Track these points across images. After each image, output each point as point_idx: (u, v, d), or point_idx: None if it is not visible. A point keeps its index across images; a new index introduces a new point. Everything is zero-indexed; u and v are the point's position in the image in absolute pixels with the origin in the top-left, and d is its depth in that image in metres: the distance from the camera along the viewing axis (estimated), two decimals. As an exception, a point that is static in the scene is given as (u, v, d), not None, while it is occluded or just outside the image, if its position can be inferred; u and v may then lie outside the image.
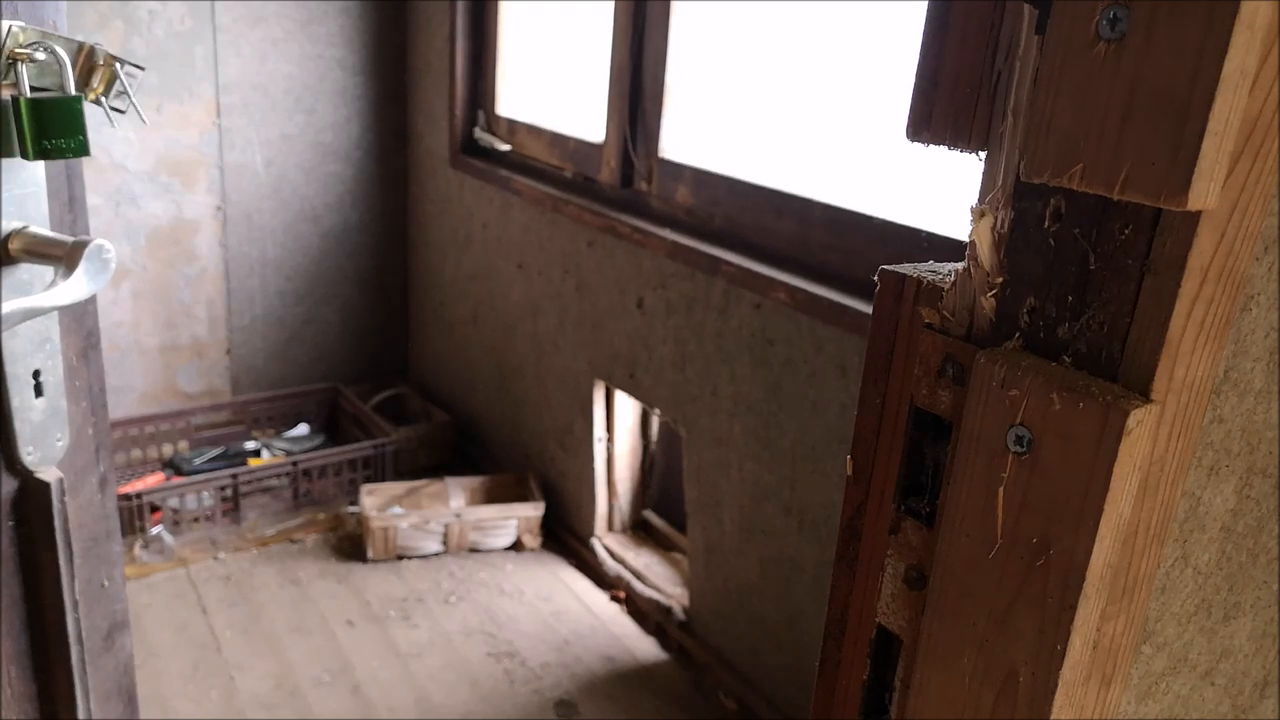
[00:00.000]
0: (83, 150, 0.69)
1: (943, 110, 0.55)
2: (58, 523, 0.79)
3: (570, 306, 2.57)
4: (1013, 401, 0.50)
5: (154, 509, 2.65)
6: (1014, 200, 0.52)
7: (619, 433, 2.61)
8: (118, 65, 0.71)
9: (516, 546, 2.73)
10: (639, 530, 2.73)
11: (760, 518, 2.05)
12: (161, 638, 2.30)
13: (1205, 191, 0.42)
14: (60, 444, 0.80)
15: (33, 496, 0.79)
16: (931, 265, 0.59)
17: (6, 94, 0.67)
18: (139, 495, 2.58)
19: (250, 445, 3.05)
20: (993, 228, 0.53)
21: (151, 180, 2.86)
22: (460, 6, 2.79)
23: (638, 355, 2.35)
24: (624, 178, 2.36)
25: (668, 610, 2.39)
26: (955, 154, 0.56)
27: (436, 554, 2.68)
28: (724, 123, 2.22)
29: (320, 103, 3.06)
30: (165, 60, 2.77)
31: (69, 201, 0.76)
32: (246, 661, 2.24)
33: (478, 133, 2.88)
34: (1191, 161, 0.41)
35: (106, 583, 0.87)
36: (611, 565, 2.57)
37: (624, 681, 2.26)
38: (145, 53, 2.72)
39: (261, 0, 2.88)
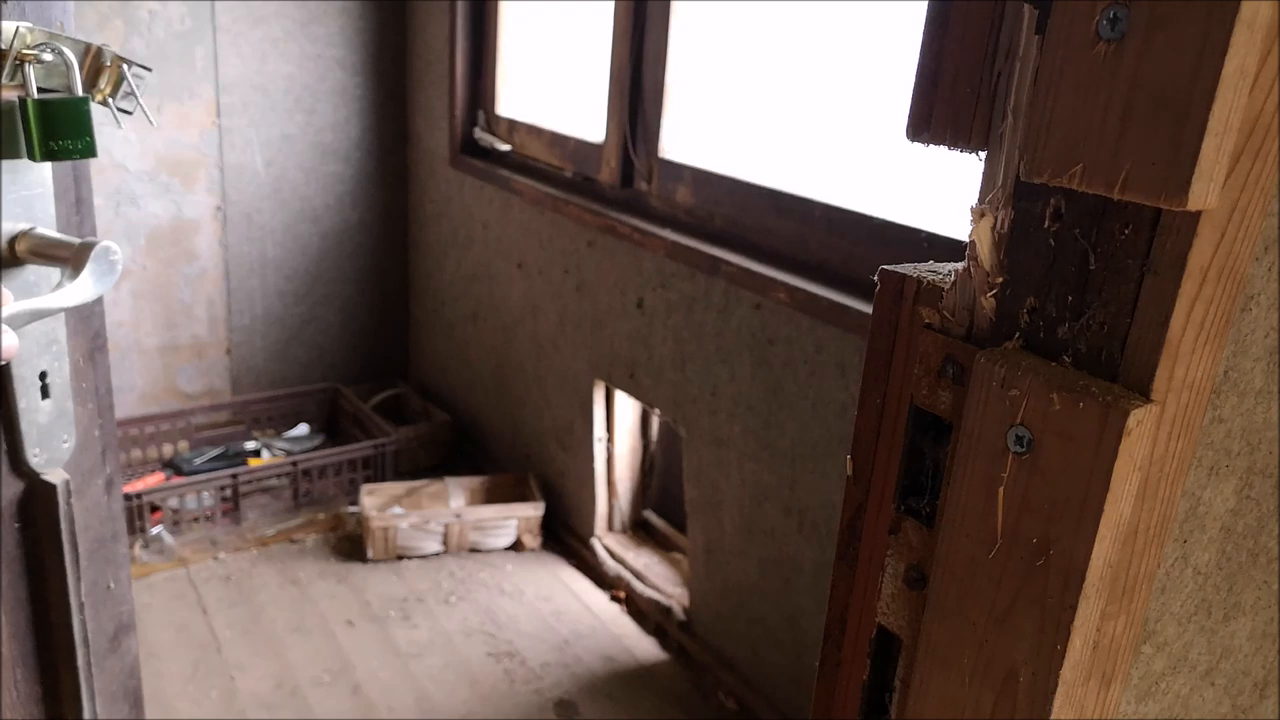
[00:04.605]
0: (90, 151, 0.70)
1: (943, 110, 0.55)
2: (64, 525, 0.79)
3: (570, 306, 2.58)
4: (1013, 401, 0.50)
5: (154, 509, 2.65)
6: (1014, 200, 0.52)
7: (619, 433, 2.61)
8: (125, 66, 0.71)
9: (516, 546, 2.73)
10: (639, 530, 2.73)
11: (760, 518, 2.05)
12: (162, 638, 2.31)
13: (1205, 191, 0.42)
14: (66, 446, 0.80)
15: (39, 498, 0.79)
16: (931, 265, 0.60)
17: (14, 95, 0.67)
18: (139, 495, 2.58)
19: (250, 445, 3.05)
20: (993, 228, 0.53)
21: (151, 180, 2.86)
22: (460, 6, 2.79)
23: (638, 355, 2.35)
24: (624, 178, 2.36)
25: (668, 610, 2.39)
26: (955, 154, 0.56)
27: (436, 554, 2.68)
28: (724, 123, 2.22)
29: (320, 103, 3.06)
30: (165, 60, 2.78)
31: (75, 203, 0.76)
32: (246, 661, 2.25)
33: (478, 133, 2.88)
34: (1191, 161, 0.41)
35: (113, 584, 0.87)
36: (611, 565, 2.57)
37: (624, 681, 2.26)
38: (145, 53, 2.72)
39: (261, 0, 2.88)
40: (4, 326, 0.62)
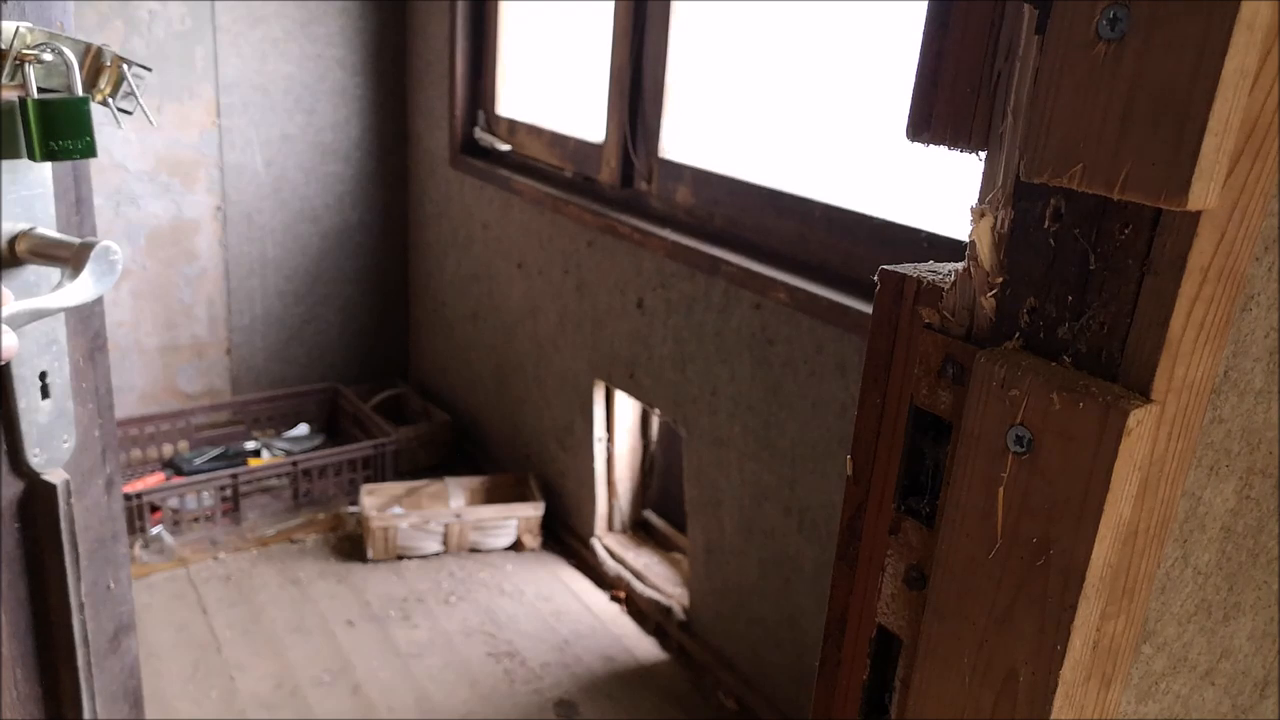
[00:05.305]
0: (90, 151, 0.70)
1: (943, 110, 0.55)
2: (64, 525, 0.79)
3: (570, 306, 2.58)
4: (1013, 401, 0.50)
5: (154, 509, 2.65)
6: (1014, 200, 0.52)
7: (619, 433, 2.61)
8: (125, 66, 0.71)
9: (516, 546, 2.73)
10: (639, 530, 2.73)
11: (760, 518, 2.05)
12: (161, 638, 2.31)
13: (1205, 191, 0.42)
14: (67, 446, 0.80)
15: (39, 499, 0.79)
16: (931, 265, 0.60)
17: (14, 95, 0.67)
18: (139, 495, 2.58)
19: (250, 445, 3.05)
20: (993, 228, 0.53)
21: (151, 180, 2.86)
22: (460, 6, 2.79)
23: (638, 355, 2.35)
24: (624, 178, 2.37)
25: (668, 610, 2.39)
26: (955, 154, 0.56)
27: (436, 554, 2.68)
28: (724, 123, 2.22)
29: (320, 103, 3.06)
30: (165, 60, 2.78)
31: (75, 203, 0.76)
32: (246, 661, 2.25)
33: (478, 133, 2.88)
34: (1191, 161, 0.41)
35: (113, 584, 0.87)
36: (611, 565, 2.57)
37: (624, 681, 2.26)
38: (145, 53, 2.73)
39: (261, 0, 2.88)
40: (4, 326, 0.62)
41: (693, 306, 2.14)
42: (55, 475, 0.79)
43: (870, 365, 0.61)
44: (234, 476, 2.72)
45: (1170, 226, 0.46)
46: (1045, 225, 0.50)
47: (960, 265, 0.56)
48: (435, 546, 2.68)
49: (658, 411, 2.38)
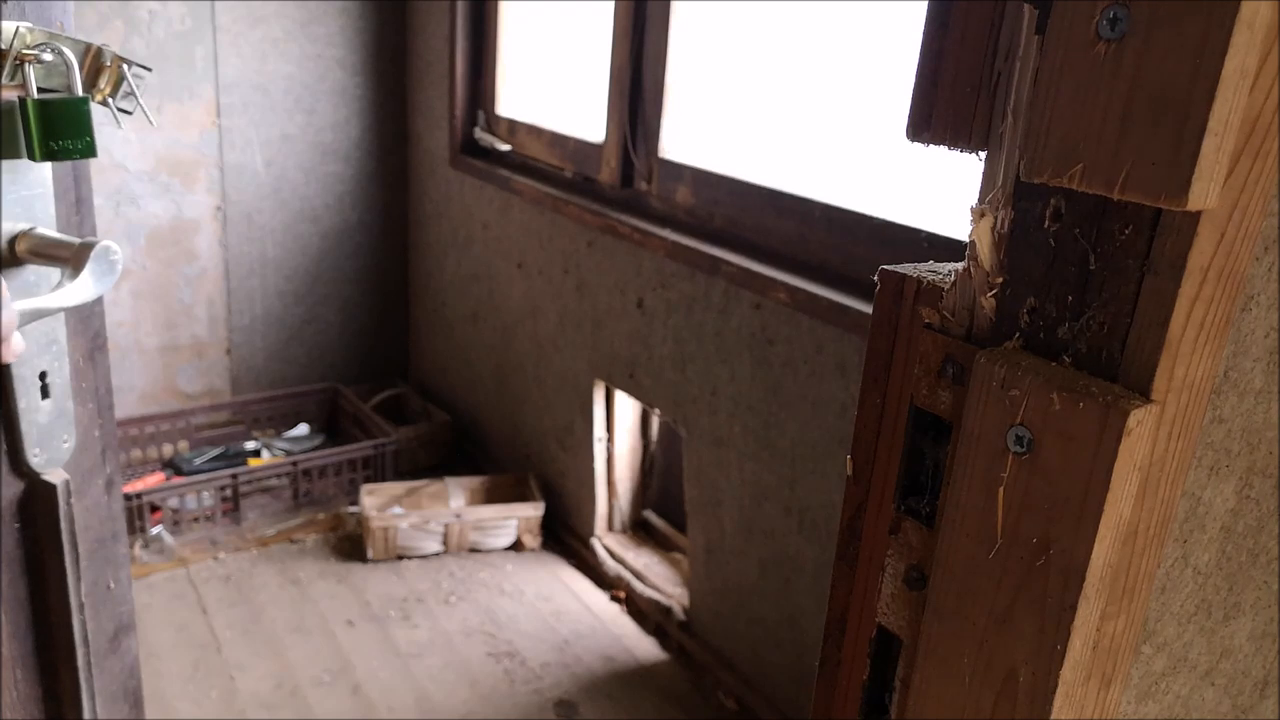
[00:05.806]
0: (90, 151, 0.70)
1: (943, 110, 0.55)
2: (64, 525, 0.79)
3: (570, 306, 2.58)
4: (1013, 401, 0.50)
5: (154, 509, 2.65)
6: (1014, 200, 0.52)
7: (619, 433, 2.61)
8: (124, 66, 0.71)
9: (516, 546, 2.73)
10: (639, 530, 2.73)
11: (760, 518, 2.05)
12: (161, 638, 2.31)
13: (1205, 191, 0.42)
14: (67, 446, 0.80)
15: (39, 498, 0.79)
16: (931, 265, 0.60)
17: (14, 95, 0.67)
18: (139, 495, 2.58)
19: (250, 445, 3.05)
20: (993, 228, 0.53)
21: (151, 180, 2.86)
22: (460, 6, 2.79)
23: (638, 355, 2.35)
24: (624, 178, 2.36)
25: (668, 610, 2.39)
26: (955, 154, 0.56)
27: (436, 554, 2.68)
28: (724, 122, 2.22)
29: (320, 103, 3.06)
30: (165, 60, 2.78)
31: (75, 203, 0.76)
32: (246, 661, 2.25)
33: (478, 133, 2.88)
34: (1191, 161, 0.41)
35: (113, 584, 0.87)
36: (611, 565, 2.57)
37: (624, 681, 2.26)
38: (145, 53, 2.73)
39: (261, 0, 2.88)
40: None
41: (693, 306, 2.14)
42: (55, 475, 0.79)
43: (870, 365, 0.61)
44: (234, 476, 2.72)
45: (1170, 226, 0.46)
46: (1045, 225, 0.50)
47: (960, 265, 0.56)
48: (435, 546, 2.68)
49: (658, 411, 2.38)
